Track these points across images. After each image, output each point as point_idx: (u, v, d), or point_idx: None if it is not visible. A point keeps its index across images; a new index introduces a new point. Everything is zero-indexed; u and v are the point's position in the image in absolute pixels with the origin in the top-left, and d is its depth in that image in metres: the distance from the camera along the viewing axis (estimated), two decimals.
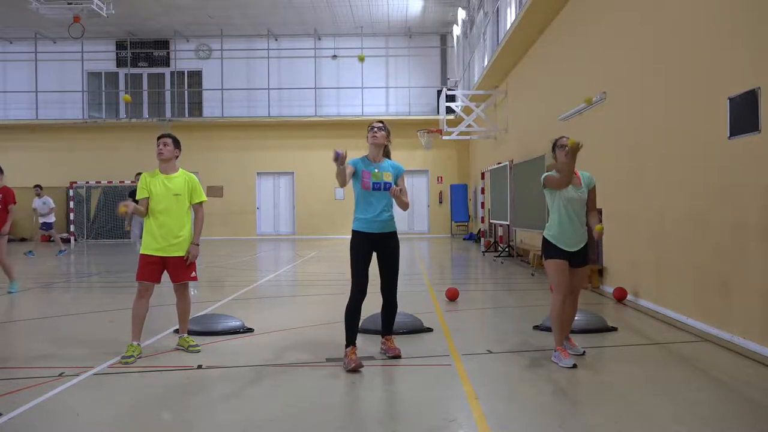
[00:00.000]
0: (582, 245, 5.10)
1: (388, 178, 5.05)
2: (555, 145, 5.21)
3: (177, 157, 5.51)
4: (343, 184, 4.87)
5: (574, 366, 4.79)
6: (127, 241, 20.93)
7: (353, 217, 5.12)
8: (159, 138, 5.47)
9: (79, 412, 3.96)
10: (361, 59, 6.13)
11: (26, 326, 6.88)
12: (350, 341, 4.94)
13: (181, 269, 5.37)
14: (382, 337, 5.28)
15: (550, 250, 5.10)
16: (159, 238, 5.27)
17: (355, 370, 4.75)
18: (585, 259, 5.17)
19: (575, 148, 4.82)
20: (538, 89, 13.37)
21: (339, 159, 4.60)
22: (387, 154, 5.25)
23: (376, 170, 5.06)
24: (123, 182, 23.03)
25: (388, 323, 5.26)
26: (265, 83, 24.43)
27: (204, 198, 5.53)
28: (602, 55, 9.13)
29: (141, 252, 5.33)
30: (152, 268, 5.28)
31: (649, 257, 7.52)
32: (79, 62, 24.62)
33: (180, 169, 5.51)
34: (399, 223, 5.37)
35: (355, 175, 5.06)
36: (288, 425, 3.69)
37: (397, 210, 5.30)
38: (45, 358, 5.27)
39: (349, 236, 5.16)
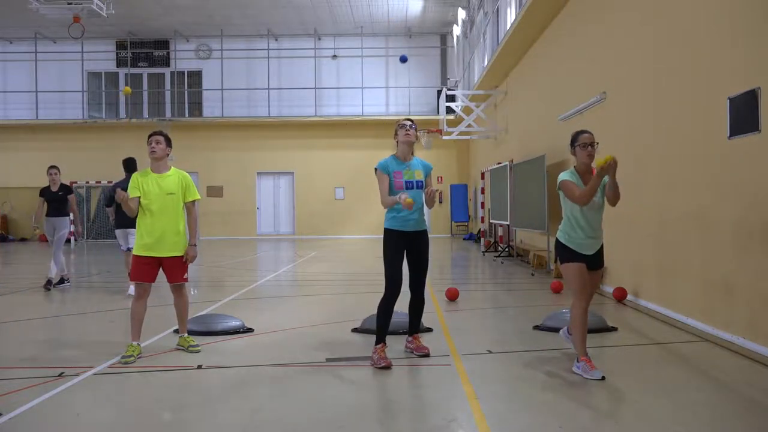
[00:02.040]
0: (597, 248, 4.80)
1: (419, 176, 5.07)
2: (574, 141, 4.81)
3: (168, 155, 5.42)
4: (387, 207, 5.04)
5: (603, 378, 4.43)
6: None
7: (385, 216, 5.12)
8: (150, 136, 5.34)
9: (79, 412, 3.96)
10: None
11: (26, 326, 6.87)
12: (381, 339, 4.96)
13: (175, 270, 5.31)
14: (409, 336, 5.27)
15: (566, 252, 4.77)
16: (154, 238, 5.19)
17: (385, 368, 4.77)
18: (601, 262, 4.89)
19: (607, 167, 4.34)
20: (538, 89, 13.37)
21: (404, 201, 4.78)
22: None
23: (407, 169, 5.06)
24: None
25: (416, 321, 5.25)
26: (265, 83, 24.42)
27: (198, 196, 5.45)
28: (602, 55, 9.13)
29: (134, 253, 5.26)
30: (147, 268, 5.23)
31: (649, 257, 7.52)
32: (79, 62, 24.62)
33: (173, 168, 5.43)
34: None
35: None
36: (288, 425, 3.69)
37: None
38: (45, 358, 5.27)
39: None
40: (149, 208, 5.22)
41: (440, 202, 24.67)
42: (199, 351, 5.38)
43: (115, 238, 11.42)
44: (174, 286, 5.42)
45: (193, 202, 5.43)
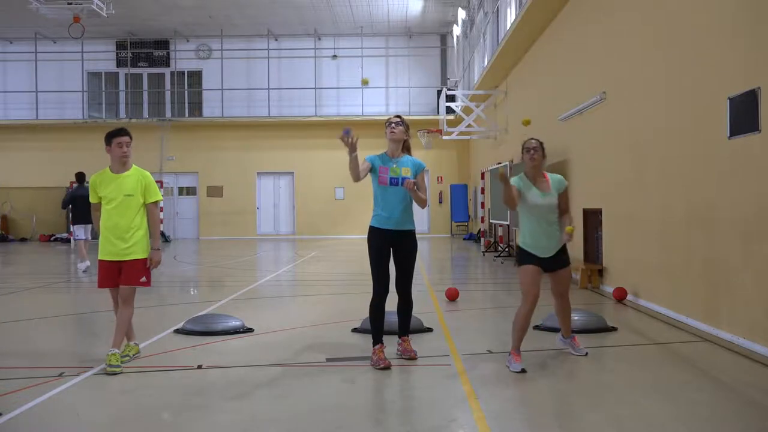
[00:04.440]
0: (557, 250, 4.96)
1: (407, 173, 5.00)
2: (522, 148, 5.08)
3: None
4: (356, 177, 4.87)
5: (523, 371, 4.63)
6: None
7: (372, 214, 5.09)
8: (120, 136, 4.97)
9: (79, 412, 3.97)
10: (365, 83, 5.94)
11: (27, 326, 6.87)
12: (377, 340, 4.93)
13: (131, 272, 4.93)
14: (399, 338, 5.23)
15: (522, 257, 4.99)
16: (113, 241, 4.92)
17: (385, 368, 4.76)
18: (564, 261, 5.03)
19: (501, 177, 4.74)
20: (538, 89, 13.37)
21: (349, 136, 4.58)
22: (407, 150, 5.19)
23: (394, 166, 5.01)
24: None
25: (404, 323, 5.20)
26: (265, 83, 24.42)
27: (159, 197, 5.10)
28: (602, 55, 9.13)
29: (99, 258, 5.00)
30: (109, 274, 4.96)
31: (649, 257, 7.52)
32: (79, 62, 24.60)
33: (134, 166, 5.08)
34: None
35: (372, 171, 5.02)
36: (288, 425, 3.69)
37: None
38: (45, 358, 5.27)
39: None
40: (107, 210, 4.95)
41: (440, 202, 24.67)
42: (117, 373, 4.69)
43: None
44: (122, 290, 4.96)
45: (155, 203, 5.08)
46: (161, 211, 23.11)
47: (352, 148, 4.67)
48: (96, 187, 5.01)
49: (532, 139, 5.07)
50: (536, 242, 4.92)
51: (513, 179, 5.04)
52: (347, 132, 4.59)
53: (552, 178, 5.06)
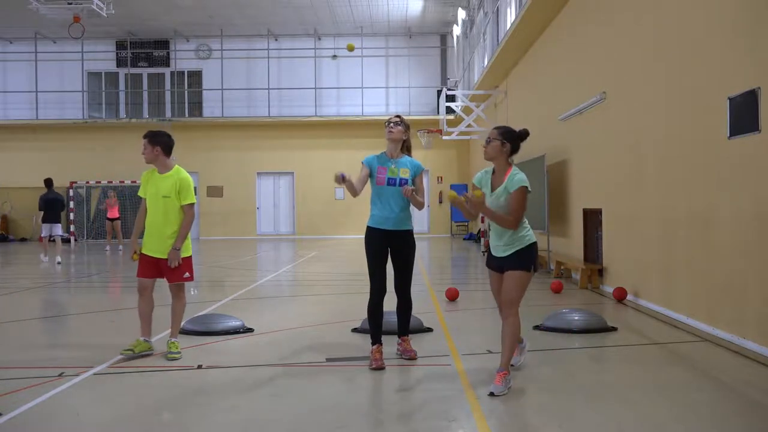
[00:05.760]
0: (509, 252, 4.32)
1: (405, 174, 5.00)
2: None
3: (158, 155, 5.20)
4: (354, 194, 4.91)
5: (491, 394, 4.08)
6: (127, 241, 20.91)
7: (369, 214, 5.10)
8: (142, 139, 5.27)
9: (79, 412, 3.97)
10: (351, 48, 6.17)
11: (26, 326, 6.87)
12: (375, 340, 4.93)
13: (170, 270, 5.21)
14: (399, 338, 5.22)
15: (486, 257, 4.67)
16: (153, 238, 5.18)
17: (377, 369, 4.75)
18: (513, 263, 4.31)
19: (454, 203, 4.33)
20: (538, 89, 13.37)
21: (342, 180, 4.67)
22: (408, 150, 5.19)
23: (392, 166, 5.02)
24: (123, 182, 23.06)
25: (403, 323, 5.18)
26: (265, 83, 24.41)
27: (192, 200, 5.24)
28: (602, 55, 9.13)
29: (141, 251, 5.27)
30: (144, 265, 5.23)
31: (649, 257, 7.52)
32: (79, 62, 24.59)
33: (175, 167, 5.27)
34: None
35: (370, 173, 5.04)
36: (288, 425, 3.69)
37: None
38: (45, 358, 5.27)
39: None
40: (150, 209, 5.24)
41: (440, 202, 24.66)
42: (177, 359, 5.12)
43: (104, 237, 12.54)
44: (170, 286, 5.33)
45: (190, 205, 5.23)
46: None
47: (343, 182, 4.68)
48: (144, 184, 5.29)
49: (495, 127, 4.50)
50: (491, 241, 4.51)
51: (479, 172, 4.65)
52: (342, 176, 4.66)
53: (510, 176, 4.39)
